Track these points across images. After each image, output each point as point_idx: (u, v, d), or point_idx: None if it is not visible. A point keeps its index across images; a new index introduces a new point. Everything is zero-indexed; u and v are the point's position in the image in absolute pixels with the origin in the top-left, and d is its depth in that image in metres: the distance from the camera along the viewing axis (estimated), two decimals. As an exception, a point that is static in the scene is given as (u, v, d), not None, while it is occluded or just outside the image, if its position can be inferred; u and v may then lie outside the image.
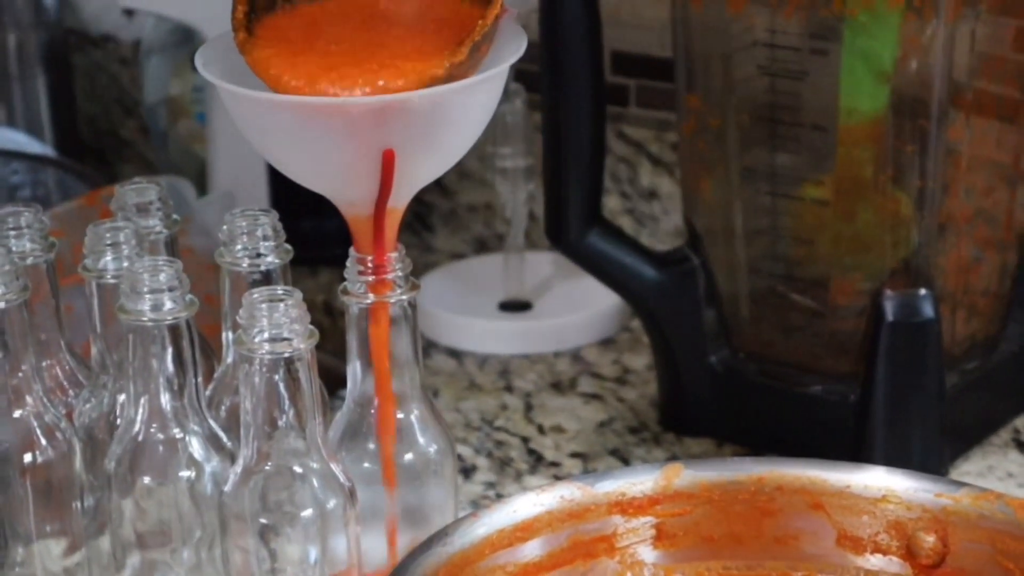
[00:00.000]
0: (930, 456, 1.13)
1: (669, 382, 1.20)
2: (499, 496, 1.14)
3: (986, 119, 1.13)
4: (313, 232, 1.41)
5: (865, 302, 1.13)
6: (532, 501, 0.87)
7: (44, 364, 0.97)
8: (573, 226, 1.16)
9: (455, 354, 1.32)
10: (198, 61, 0.89)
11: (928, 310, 1.11)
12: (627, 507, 0.89)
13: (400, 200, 0.89)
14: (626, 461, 1.17)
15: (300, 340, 0.86)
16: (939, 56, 1.08)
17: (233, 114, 0.89)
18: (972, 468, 1.15)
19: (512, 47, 0.89)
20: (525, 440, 1.20)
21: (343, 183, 0.88)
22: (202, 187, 1.45)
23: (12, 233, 0.97)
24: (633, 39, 1.37)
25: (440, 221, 1.49)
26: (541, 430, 1.22)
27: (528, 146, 1.35)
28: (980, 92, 1.11)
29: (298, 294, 0.87)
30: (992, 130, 1.14)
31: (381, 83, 0.85)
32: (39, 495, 0.95)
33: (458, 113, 0.87)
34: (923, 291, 1.12)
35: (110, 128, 1.66)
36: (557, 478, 1.15)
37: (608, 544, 0.88)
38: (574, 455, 1.18)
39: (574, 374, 1.29)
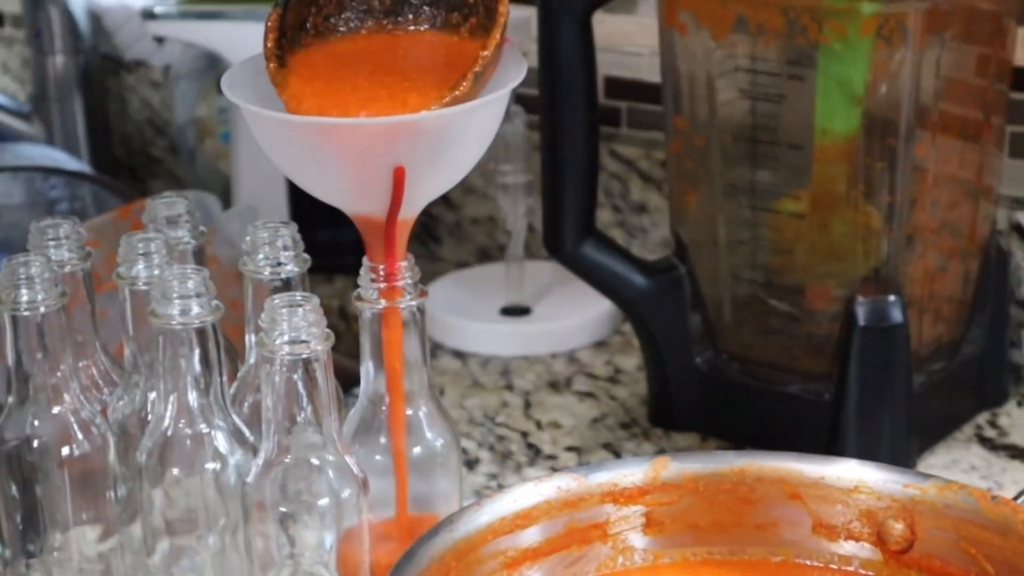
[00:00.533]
0: (899, 450, 1.12)
1: (657, 381, 1.20)
2: (500, 486, 1.13)
3: (950, 138, 1.13)
4: (329, 242, 1.40)
5: (839, 307, 1.13)
6: (531, 491, 0.87)
7: (80, 364, 0.97)
8: (569, 238, 1.16)
9: (460, 355, 1.32)
10: (224, 84, 0.89)
11: (897, 315, 1.11)
12: (619, 497, 0.88)
13: (410, 212, 0.89)
14: (618, 454, 1.17)
15: (317, 342, 0.86)
16: (907, 81, 1.08)
17: (256, 134, 0.89)
18: (938, 461, 1.15)
19: (513, 72, 0.89)
20: (524, 435, 1.20)
21: (358, 197, 0.88)
22: (227, 201, 1.45)
23: (52, 243, 0.97)
24: (624, 65, 1.37)
25: (446, 232, 1.49)
26: (539, 425, 1.21)
27: (527, 164, 1.35)
28: (945, 113, 1.11)
29: (315, 300, 0.87)
30: (956, 148, 1.14)
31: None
32: (76, 485, 0.95)
33: (463, 133, 0.87)
34: (893, 297, 1.11)
35: (141, 146, 1.66)
36: (554, 470, 1.15)
37: (601, 531, 0.88)
38: (569, 449, 1.18)
39: (570, 374, 1.29)
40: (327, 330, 0.87)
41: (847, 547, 0.88)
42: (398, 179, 0.85)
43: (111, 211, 1.28)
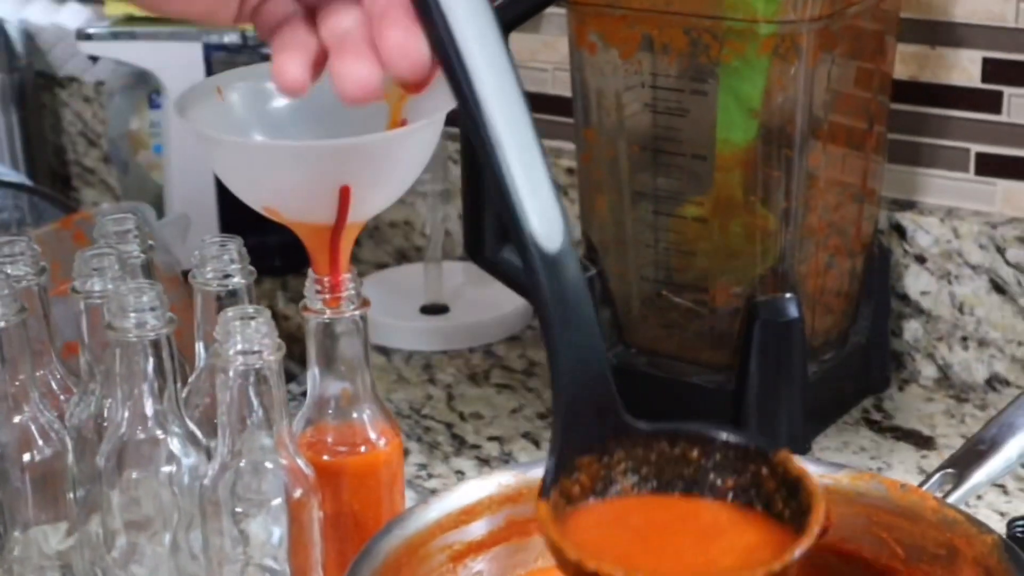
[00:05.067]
0: (796, 435, 1.11)
1: (571, 374, 1.18)
2: (430, 475, 1.10)
3: (839, 147, 1.11)
4: (257, 247, 1.35)
5: (739, 304, 1.11)
6: (474, 487, 0.84)
7: (38, 374, 0.93)
8: (489, 243, 1.13)
9: (384, 351, 1.28)
10: (176, 108, 0.85)
11: (793, 311, 1.10)
12: (557, 491, 0.86)
13: (354, 221, 0.85)
14: (537, 443, 1.14)
15: (269, 352, 0.83)
16: (801, 95, 1.06)
17: (209, 156, 0.85)
18: (831, 444, 1.13)
19: (450, 96, 0.86)
20: (449, 426, 1.17)
21: (306, 213, 0.84)
22: (160, 210, 1.41)
23: (7, 259, 0.93)
24: (530, 79, 1.34)
25: (365, 235, 1.45)
26: (462, 417, 1.19)
27: (444, 172, 1.32)
28: (834, 124, 1.10)
29: (267, 312, 0.83)
30: (843, 156, 1.12)
31: None
32: (36, 488, 0.92)
33: (403, 155, 0.83)
34: (788, 294, 1.10)
35: (75, 158, 1.61)
36: (479, 459, 1.13)
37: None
38: (492, 438, 1.15)
39: (487, 367, 1.26)
40: (278, 340, 0.83)
41: (765, 533, 0.86)
42: (344, 197, 0.82)
43: (53, 222, 1.23)
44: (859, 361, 1.18)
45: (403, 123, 0.87)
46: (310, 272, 0.88)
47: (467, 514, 0.83)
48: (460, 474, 1.11)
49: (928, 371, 1.21)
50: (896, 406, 1.18)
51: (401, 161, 0.83)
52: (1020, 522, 0.99)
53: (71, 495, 0.92)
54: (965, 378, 1.20)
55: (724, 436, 0.76)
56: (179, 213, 1.35)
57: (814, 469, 0.84)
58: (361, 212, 0.84)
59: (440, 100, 0.86)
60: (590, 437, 0.73)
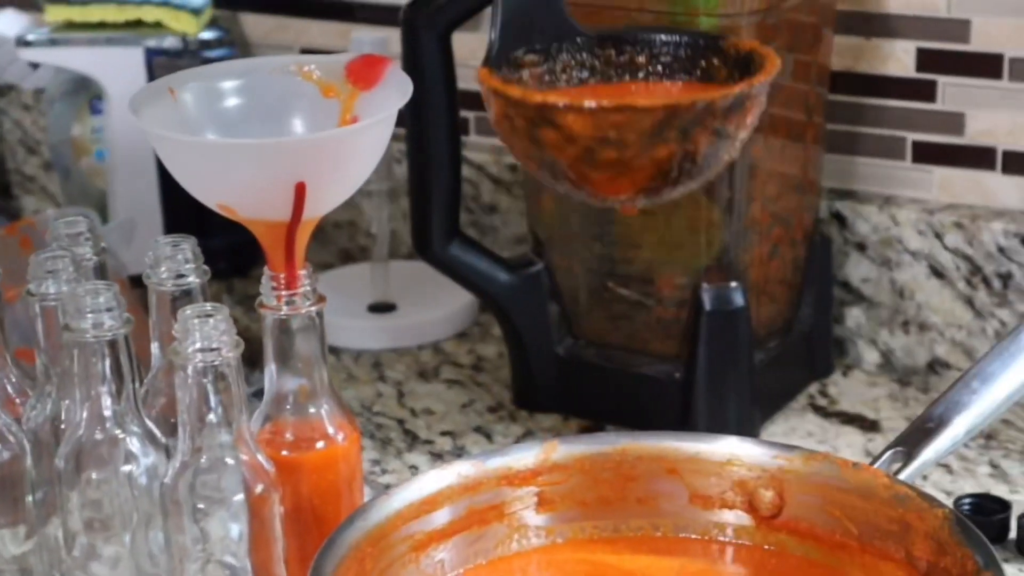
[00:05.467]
0: (744, 422, 1.12)
1: (520, 367, 1.19)
2: (384, 471, 1.11)
3: (780, 138, 1.13)
4: (201, 250, 1.36)
5: (685, 294, 1.12)
6: (435, 478, 0.85)
7: (-5, 377, 0.93)
8: (436, 240, 1.14)
9: (333, 350, 1.29)
10: (131, 109, 0.85)
11: (739, 299, 1.11)
12: (513, 479, 0.87)
13: (309, 218, 0.86)
14: (489, 436, 1.15)
15: (228, 349, 0.84)
16: (742, 87, 1.07)
17: (161, 155, 0.85)
18: (778, 430, 1.15)
19: (400, 93, 0.87)
20: (401, 422, 1.18)
21: (262, 210, 0.85)
22: (103, 215, 1.40)
23: (-39, 264, 0.93)
24: (471, 78, 1.35)
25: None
26: (413, 413, 1.19)
27: (389, 171, 1.33)
28: (775, 116, 1.11)
29: (225, 310, 0.84)
30: (784, 147, 1.14)
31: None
32: (-4, 490, 0.92)
33: (357, 150, 0.84)
34: (734, 284, 1.11)
35: (15, 165, 1.60)
36: (432, 454, 1.13)
37: (498, 511, 0.87)
38: (444, 433, 1.16)
39: (436, 364, 1.27)
40: (237, 337, 0.84)
41: (721, 515, 0.88)
42: (299, 193, 0.83)
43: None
44: (803, 348, 1.20)
45: (354, 120, 0.88)
46: (266, 269, 0.89)
47: (428, 504, 0.84)
48: (414, 468, 1.11)
49: (871, 356, 1.23)
50: (841, 391, 1.20)
51: (356, 157, 0.84)
52: (966, 500, 1.01)
53: (30, 498, 0.92)
54: (907, 362, 1.22)
55: (673, 36, 0.78)
56: (124, 218, 1.35)
57: (767, 451, 0.86)
58: (316, 208, 0.85)
59: (390, 97, 0.87)
60: (532, 32, 0.75)
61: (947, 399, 0.87)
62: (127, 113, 1.34)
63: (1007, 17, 1.15)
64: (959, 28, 1.17)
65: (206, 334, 0.83)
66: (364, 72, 0.88)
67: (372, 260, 1.34)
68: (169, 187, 1.39)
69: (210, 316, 0.83)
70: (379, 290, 1.33)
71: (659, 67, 0.83)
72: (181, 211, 1.39)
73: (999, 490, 1.05)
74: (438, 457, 1.13)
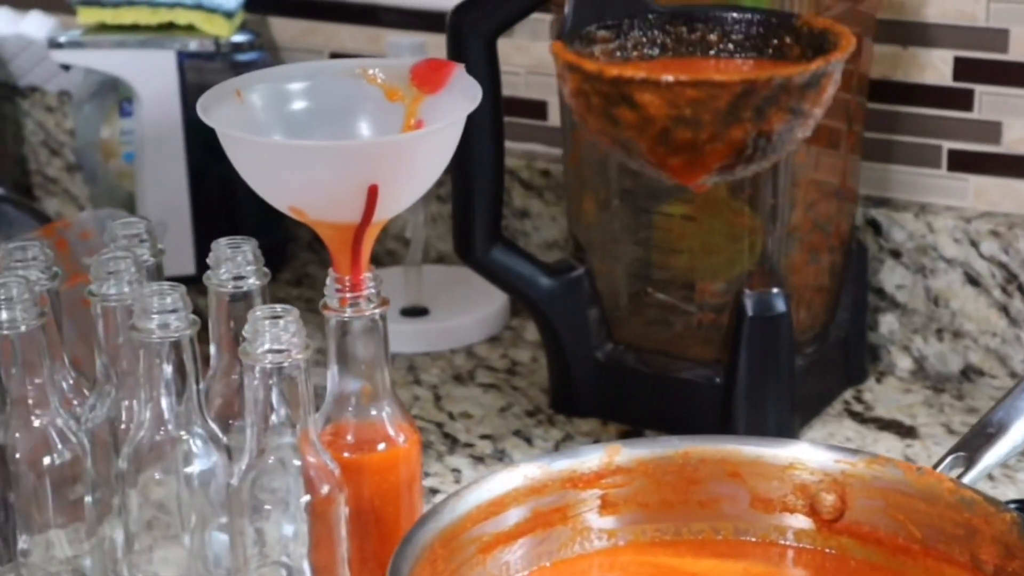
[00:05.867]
0: (783, 427, 1.13)
1: (559, 371, 1.19)
2: (427, 474, 1.11)
3: (819, 146, 1.14)
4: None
5: (726, 300, 1.13)
6: (502, 480, 0.86)
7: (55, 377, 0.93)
8: (479, 244, 1.15)
9: (366, 354, 1.29)
10: (200, 111, 0.85)
11: (781, 305, 1.12)
12: (578, 481, 0.88)
13: (378, 220, 0.86)
14: (529, 440, 1.16)
15: (298, 351, 0.84)
16: (787, 94, 1.08)
17: (230, 154, 0.85)
18: (816, 435, 1.16)
19: (467, 96, 0.88)
20: (439, 425, 1.18)
21: (332, 212, 0.85)
22: (133, 217, 1.40)
23: (19, 264, 0.93)
24: (502, 83, 1.36)
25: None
26: (451, 416, 1.20)
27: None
28: (818, 124, 1.11)
29: (295, 311, 0.84)
30: (825, 154, 1.15)
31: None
32: (55, 492, 0.92)
33: (429, 153, 0.85)
34: (776, 290, 1.12)
35: (37, 167, 1.60)
36: (474, 457, 1.14)
37: (562, 514, 0.87)
38: (484, 436, 1.17)
39: (471, 367, 1.27)
40: (306, 339, 0.84)
41: (783, 519, 0.89)
42: (371, 195, 0.83)
43: (35, 229, 1.23)
44: (839, 355, 1.21)
45: (418, 124, 0.89)
46: (331, 271, 0.89)
47: (496, 505, 0.85)
48: (456, 472, 1.12)
49: (904, 363, 1.24)
50: (876, 398, 1.21)
51: (426, 160, 0.85)
52: (1012, 506, 1.02)
53: (88, 498, 0.92)
54: (940, 369, 1.23)
55: (745, 14, 0.80)
56: (156, 220, 1.35)
57: (829, 455, 0.87)
58: (385, 211, 0.86)
59: (455, 101, 0.88)
60: (604, 8, 0.77)
61: (1006, 404, 0.88)
62: (159, 115, 1.37)
63: (1045, 27, 1.16)
64: (997, 37, 1.18)
65: (275, 335, 0.83)
66: (429, 76, 0.89)
67: (405, 264, 1.34)
68: (199, 189, 1.39)
69: (280, 317, 0.84)
70: (412, 294, 1.33)
71: (731, 45, 0.85)
72: (210, 213, 1.40)
73: (1040, 496, 1.06)
74: (479, 460, 1.13)
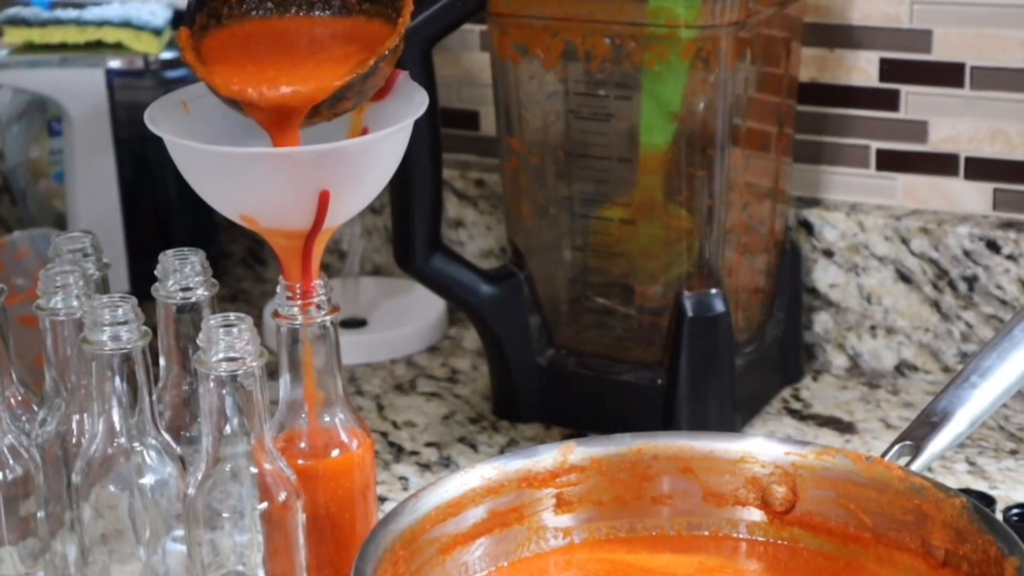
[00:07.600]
0: (725, 426, 1.14)
1: (501, 377, 1.20)
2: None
3: (754, 148, 1.16)
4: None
5: (666, 302, 1.14)
6: (459, 481, 0.86)
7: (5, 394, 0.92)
8: (419, 253, 1.15)
9: (306, 366, 1.29)
10: (147, 122, 0.86)
11: (720, 305, 1.13)
12: (533, 481, 0.88)
13: (328, 227, 0.87)
14: (474, 447, 1.16)
15: (252, 359, 0.84)
16: (721, 97, 1.10)
17: (180, 164, 0.86)
18: (759, 433, 1.17)
19: (413, 103, 0.88)
20: (384, 435, 1.19)
21: (283, 220, 0.86)
22: (64, 236, 1.40)
23: (-38, 284, 0.93)
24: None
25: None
26: (396, 425, 1.20)
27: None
28: (749, 126, 1.14)
29: (249, 320, 0.85)
30: (758, 156, 1.16)
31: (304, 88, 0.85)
32: (6, 508, 0.91)
33: (379, 158, 0.85)
34: (715, 290, 1.13)
35: (-35, 189, 1.59)
36: (420, 464, 1.14)
37: (519, 513, 0.88)
38: (429, 444, 1.17)
39: (412, 377, 1.28)
40: (260, 347, 0.85)
41: (735, 512, 0.90)
42: (323, 201, 0.84)
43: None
44: (776, 354, 1.23)
45: (365, 131, 0.89)
46: (281, 279, 0.89)
47: (454, 507, 0.85)
48: (404, 479, 1.12)
49: (839, 361, 1.26)
50: (813, 395, 1.22)
51: (377, 165, 0.85)
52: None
53: (40, 513, 0.92)
54: (875, 366, 1.25)
55: None
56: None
57: (779, 447, 0.88)
58: (336, 217, 0.86)
59: (400, 107, 0.88)
60: None
61: (948, 394, 0.90)
62: (89, 134, 1.37)
63: (968, 27, 1.19)
64: (921, 38, 1.20)
65: (230, 343, 0.84)
66: (374, 84, 0.89)
67: (343, 276, 1.34)
68: (131, 207, 1.39)
69: (233, 326, 0.84)
70: (350, 306, 1.34)
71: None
72: (143, 230, 1.39)
73: (979, 487, 1.08)
74: (426, 468, 1.14)
